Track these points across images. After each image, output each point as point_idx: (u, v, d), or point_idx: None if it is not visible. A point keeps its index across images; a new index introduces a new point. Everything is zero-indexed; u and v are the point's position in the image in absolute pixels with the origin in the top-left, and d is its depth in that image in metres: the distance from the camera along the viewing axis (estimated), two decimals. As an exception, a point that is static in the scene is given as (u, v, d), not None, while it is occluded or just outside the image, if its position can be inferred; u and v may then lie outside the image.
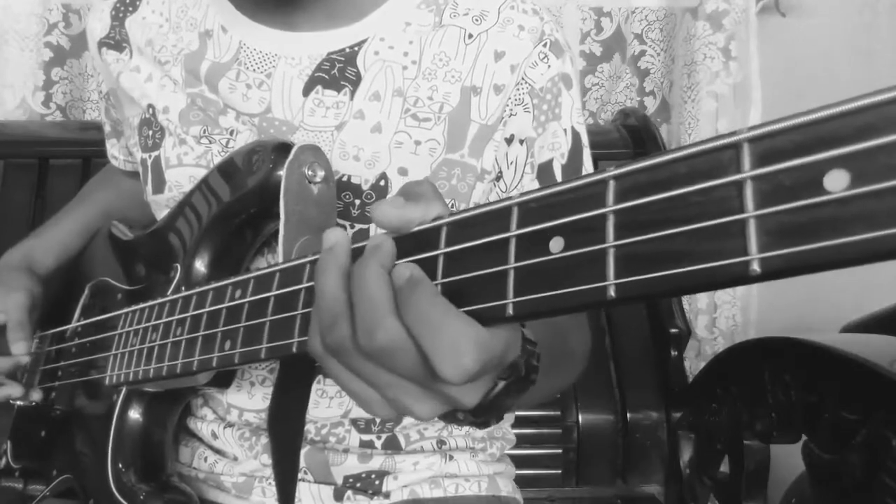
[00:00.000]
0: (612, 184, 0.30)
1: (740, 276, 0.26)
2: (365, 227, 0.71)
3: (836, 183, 0.24)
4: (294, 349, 0.45)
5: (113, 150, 0.95)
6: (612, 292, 0.29)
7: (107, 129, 0.94)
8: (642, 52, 1.65)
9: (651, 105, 1.65)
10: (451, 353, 0.35)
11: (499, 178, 0.73)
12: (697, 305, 1.59)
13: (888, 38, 1.64)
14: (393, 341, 0.36)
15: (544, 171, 0.72)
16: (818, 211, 0.24)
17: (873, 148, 0.23)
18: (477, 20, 0.71)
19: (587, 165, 0.75)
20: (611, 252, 0.30)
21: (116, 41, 0.82)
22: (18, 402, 0.85)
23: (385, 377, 0.39)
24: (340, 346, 0.39)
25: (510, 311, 0.34)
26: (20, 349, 0.81)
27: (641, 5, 1.62)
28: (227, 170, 0.68)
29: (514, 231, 0.34)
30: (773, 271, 0.25)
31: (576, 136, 0.73)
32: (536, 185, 0.72)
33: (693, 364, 1.56)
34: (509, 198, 0.35)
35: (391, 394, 0.39)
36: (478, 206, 0.36)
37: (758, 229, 0.26)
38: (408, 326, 0.36)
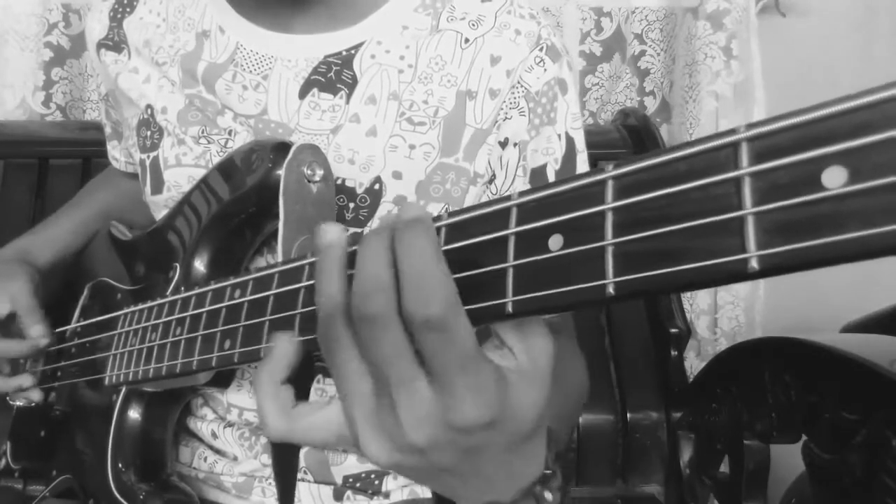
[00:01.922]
0: (610, 182, 0.30)
1: (738, 273, 0.26)
2: (359, 230, 0.71)
3: (834, 180, 0.24)
4: None
5: (114, 151, 0.95)
6: (611, 290, 0.30)
7: (107, 130, 0.94)
8: (642, 52, 1.65)
9: (651, 105, 1.65)
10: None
11: (491, 180, 0.73)
12: (699, 306, 1.59)
13: (888, 38, 1.64)
14: (449, 306, 0.34)
15: (538, 175, 0.72)
16: (816, 208, 0.24)
17: (871, 144, 0.23)
18: (473, 25, 0.71)
19: (580, 171, 0.74)
20: (610, 250, 0.30)
21: (115, 42, 0.82)
22: (18, 403, 0.85)
23: (407, 359, 0.36)
24: (378, 315, 0.35)
25: (510, 309, 0.34)
26: (38, 331, 0.79)
27: (641, 5, 1.62)
28: (226, 169, 0.68)
29: (514, 229, 0.34)
30: (770, 268, 0.25)
31: (570, 141, 0.73)
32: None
33: (693, 364, 1.56)
34: (508, 197, 0.35)
35: (396, 383, 0.36)
36: (477, 206, 0.36)
37: (756, 226, 0.26)
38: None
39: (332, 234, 0.39)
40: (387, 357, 0.36)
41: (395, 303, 0.35)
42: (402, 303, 0.35)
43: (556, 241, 0.32)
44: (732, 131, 0.27)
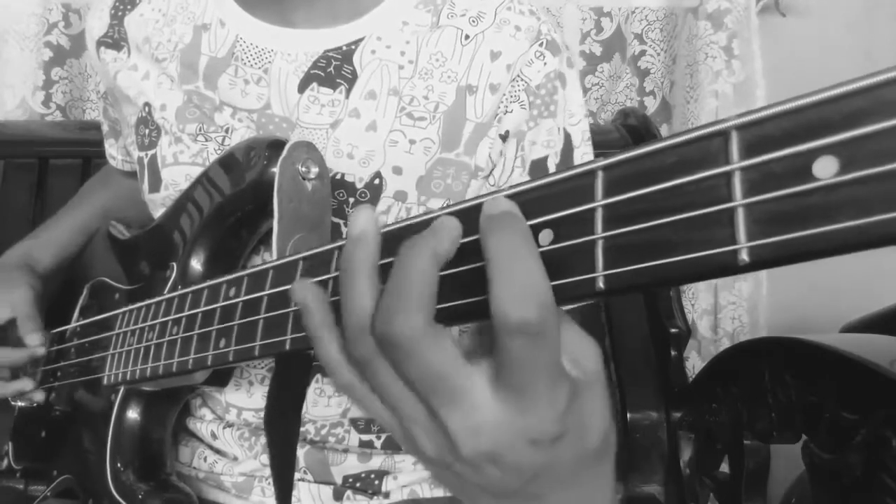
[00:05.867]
0: (600, 175, 0.30)
1: (729, 266, 0.26)
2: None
3: (825, 170, 0.24)
4: (287, 346, 0.45)
5: (111, 149, 0.95)
6: (601, 284, 0.29)
7: (105, 128, 0.94)
8: (642, 52, 1.64)
9: (651, 105, 1.65)
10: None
11: (491, 173, 0.73)
12: (701, 306, 1.59)
13: (888, 39, 1.64)
14: (548, 308, 0.30)
15: (538, 167, 0.72)
16: (807, 198, 0.24)
17: (862, 135, 0.23)
18: (474, 21, 0.71)
19: None
20: (599, 243, 0.30)
21: (115, 40, 0.82)
22: (19, 403, 0.86)
23: (463, 369, 0.33)
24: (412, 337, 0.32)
25: None
26: (35, 340, 0.81)
27: (641, 5, 1.62)
28: (226, 165, 0.69)
29: None
30: (761, 260, 0.25)
31: (567, 136, 0.73)
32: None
33: (695, 364, 1.56)
34: (498, 191, 0.35)
35: (448, 399, 0.33)
36: (467, 201, 0.36)
37: (746, 218, 0.25)
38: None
39: (363, 221, 0.34)
40: (430, 373, 0.32)
41: (432, 316, 0.32)
42: (492, 302, 0.30)
43: (546, 236, 0.32)
44: (722, 121, 0.27)
